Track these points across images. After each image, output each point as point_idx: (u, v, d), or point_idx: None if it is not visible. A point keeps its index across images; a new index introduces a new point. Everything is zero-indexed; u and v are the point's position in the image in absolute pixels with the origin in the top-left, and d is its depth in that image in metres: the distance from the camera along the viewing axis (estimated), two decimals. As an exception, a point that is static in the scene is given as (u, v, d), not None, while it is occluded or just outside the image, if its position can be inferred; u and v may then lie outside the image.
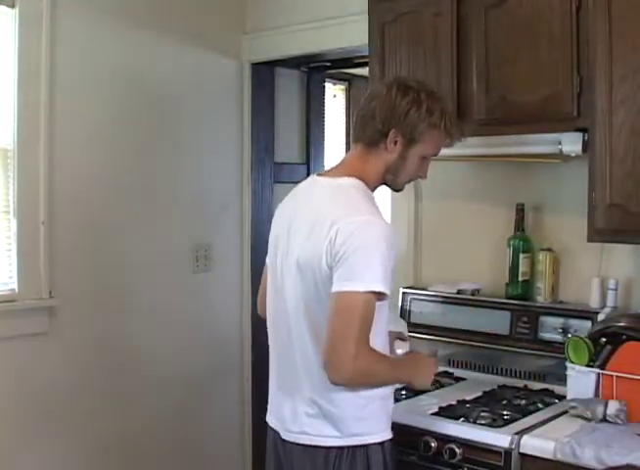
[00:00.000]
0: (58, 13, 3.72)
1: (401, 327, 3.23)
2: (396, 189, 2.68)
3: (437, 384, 3.32)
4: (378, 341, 2.43)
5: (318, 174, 2.66)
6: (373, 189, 2.58)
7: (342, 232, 2.35)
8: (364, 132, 2.56)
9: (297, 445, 2.52)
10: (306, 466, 2.50)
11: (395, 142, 2.52)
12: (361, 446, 2.46)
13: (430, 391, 3.18)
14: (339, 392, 2.42)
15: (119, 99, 4.01)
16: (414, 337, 3.44)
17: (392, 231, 2.42)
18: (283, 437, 2.57)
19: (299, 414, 2.51)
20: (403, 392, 3.16)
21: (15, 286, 3.66)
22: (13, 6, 3.61)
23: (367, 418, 2.48)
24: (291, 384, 2.54)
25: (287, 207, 2.67)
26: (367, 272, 2.32)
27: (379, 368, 2.41)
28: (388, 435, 2.53)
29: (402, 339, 2.86)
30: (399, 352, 2.81)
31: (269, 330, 2.65)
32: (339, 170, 2.59)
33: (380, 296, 2.34)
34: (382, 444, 2.50)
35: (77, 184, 3.83)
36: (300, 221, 2.52)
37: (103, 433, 3.93)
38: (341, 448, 2.45)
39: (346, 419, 2.45)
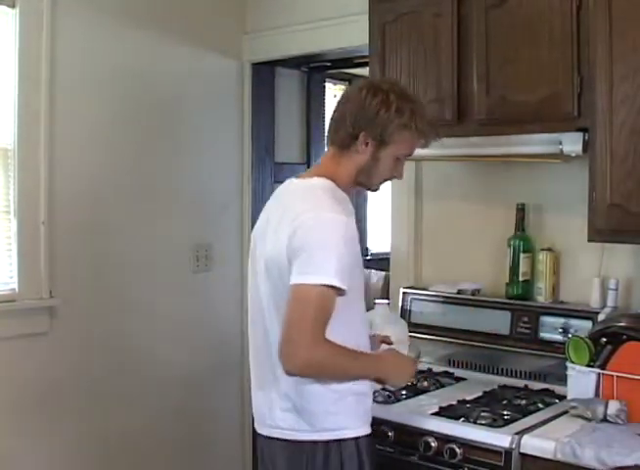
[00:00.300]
0: (58, 13, 3.72)
1: (402, 327, 3.23)
2: (371, 190, 2.70)
3: (438, 384, 3.32)
4: (349, 337, 2.45)
5: (296, 177, 2.68)
6: (347, 190, 2.61)
7: (302, 227, 2.39)
8: (336, 135, 2.59)
9: (273, 439, 2.55)
10: (281, 460, 2.54)
11: (366, 144, 2.53)
12: (334, 440, 2.48)
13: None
14: (311, 386, 2.45)
15: (120, 99, 4.01)
16: (414, 337, 3.44)
17: (353, 229, 2.44)
18: (259, 431, 2.60)
19: (275, 409, 2.53)
20: (403, 392, 3.16)
21: (15, 286, 3.66)
22: (13, 6, 3.61)
23: (340, 413, 2.49)
24: (267, 379, 2.56)
25: (265, 209, 2.70)
26: (322, 266, 2.34)
27: (337, 361, 2.41)
28: (363, 430, 2.54)
29: (387, 342, 2.89)
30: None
31: (249, 328, 2.68)
32: (312, 172, 2.63)
33: (338, 291, 2.35)
34: (356, 439, 2.51)
35: (78, 184, 3.84)
36: (271, 221, 2.56)
37: (103, 433, 3.93)
38: (314, 443, 2.48)
39: (319, 413, 2.47)
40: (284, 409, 2.51)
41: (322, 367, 2.39)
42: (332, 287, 2.34)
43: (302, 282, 2.35)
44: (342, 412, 2.49)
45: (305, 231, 2.38)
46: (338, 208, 2.44)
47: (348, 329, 2.49)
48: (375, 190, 2.70)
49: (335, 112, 2.61)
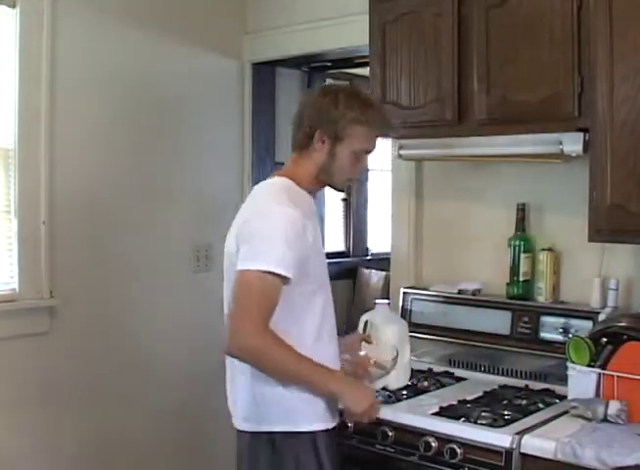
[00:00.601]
0: (58, 13, 3.73)
1: (402, 327, 3.24)
2: (336, 189, 2.78)
3: (438, 384, 3.32)
4: (306, 330, 2.57)
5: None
6: (311, 189, 2.71)
7: (249, 218, 2.56)
8: (296, 138, 2.71)
9: (240, 431, 2.65)
10: (244, 452, 2.65)
11: (323, 142, 2.63)
12: (290, 433, 2.55)
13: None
14: (270, 379, 2.51)
15: (120, 99, 4.01)
16: (415, 337, 3.44)
17: (303, 223, 2.51)
18: (234, 424, 2.70)
19: (239, 401, 2.64)
20: (404, 392, 3.16)
21: (15, 286, 3.67)
22: (14, 6, 3.61)
23: (297, 407, 2.55)
24: (235, 373, 2.65)
25: None
26: (264, 253, 2.44)
27: (277, 356, 2.45)
28: (321, 425, 2.58)
29: (367, 341, 2.94)
30: (362, 353, 2.90)
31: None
32: (275, 174, 2.76)
33: (284, 279, 2.44)
34: (313, 433, 2.56)
35: (78, 184, 3.84)
36: (236, 220, 2.68)
37: (103, 432, 3.93)
38: (271, 434, 2.56)
39: (276, 407, 2.55)
40: (246, 401, 2.61)
41: (261, 356, 2.45)
42: (274, 274, 2.42)
43: (246, 268, 2.45)
44: (300, 407, 2.55)
45: (252, 221, 2.54)
46: (287, 202, 2.54)
47: (305, 321, 2.58)
48: (340, 189, 2.80)
49: (294, 117, 2.72)
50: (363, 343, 2.94)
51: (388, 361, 2.89)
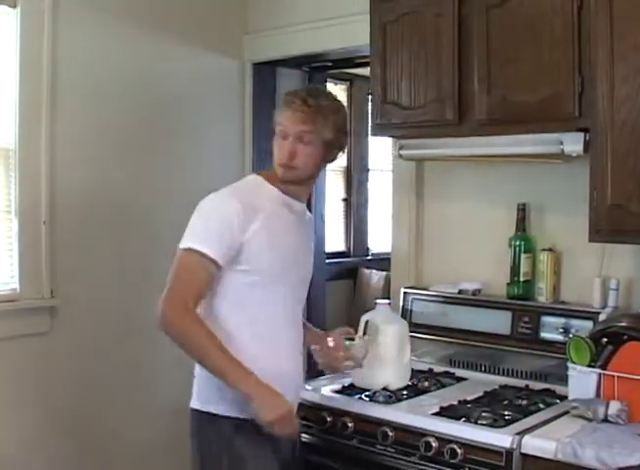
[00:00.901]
0: (59, 13, 3.73)
1: (402, 327, 3.24)
2: (279, 178, 2.79)
3: (439, 384, 3.32)
4: (246, 326, 2.66)
5: None
6: (280, 186, 2.77)
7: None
8: None
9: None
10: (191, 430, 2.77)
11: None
12: (204, 412, 2.69)
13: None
14: None
15: (121, 99, 4.02)
16: (415, 337, 3.44)
17: (238, 213, 2.61)
18: None
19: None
20: (404, 392, 3.16)
21: (16, 286, 3.67)
22: (14, 6, 3.62)
23: (212, 388, 2.65)
24: None
25: None
26: (191, 233, 2.63)
27: (198, 341, 2.55)
28: (223, 410, 2.65)
29: (352, 338, 3.01)
30: (331, 344, 2.94)
31: None
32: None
33: (211, 261, 2.57)
34: (215, 416, 2.66)
35: (79, 184, 3.84)
36: None
37: (103, 432, 3.93)
38: (196, 411, 2.72)
39: (198, 385, 2.74)
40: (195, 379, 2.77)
41: (179, 336, 2.58)
42: (198, 252, 2.56)
43: (178, 246, 2.63)
44: (213, 388, 2.65)
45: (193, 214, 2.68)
46: (227, 195, 2.69)
47: (245, 312, 2.67)
48: (282, 180, 2.77)
49: None
50: (330, 338, 2.98)
51: (359, 352, 2.96)
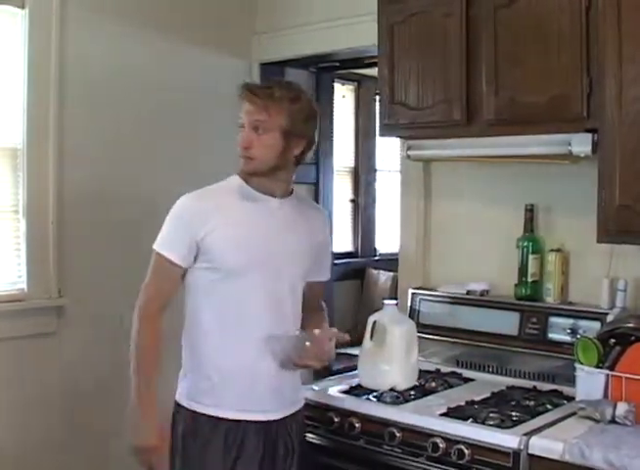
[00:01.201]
0: (67, 13, 3.75)
1: (410, 328, 3.24)
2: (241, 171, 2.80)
3: (446, 384, 3.32)
4: (206, 323, 2.75)
5: None
6: (253, 184, 2.77)
7: None
8: None
9: None
10: None
11: None
12: (178, 404, 2.81)
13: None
14: (186, 352, 2.85)
15: (128, 98, 4.02)
16: (423, 337, 3.44)
17: (200, 211, 2.71)
18: None
19: None
20: (412, 392, 3.16)
21: (24, 285, 3.68)
22: (22, 6, 3.63)
23: (183, 381, 2.83)
24: None
25: None
26: (160, 234, 2.74)
27: (136, 346, 2.77)
28: (193, 405, 2.74)
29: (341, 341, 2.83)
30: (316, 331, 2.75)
31: None
32: None
33: (172, 262, 2.70)
34: (183, 408, 2.77)
35: (87, 184, 3.85)
36: None
37: (111, 432, 3.93)
38: (175, 402, 2.82)
39: (180, 376, 2.86)
40: None
41: (133, 337, 2.77)
42: (160, 254, 2.71)
43: None
44: (184, 381, 2.82)
45: None
46: (193, 194, 2.78)
47: (205, 308, 2.75)
48: (242, 171, 2.79)
49: None
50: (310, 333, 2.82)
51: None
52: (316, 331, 2.72)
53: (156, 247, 2.72)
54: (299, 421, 2.87)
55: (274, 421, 2.73)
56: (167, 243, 2.71)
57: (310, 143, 2.79)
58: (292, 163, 2.76)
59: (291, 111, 2.68)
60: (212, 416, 2.69)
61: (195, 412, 2.72)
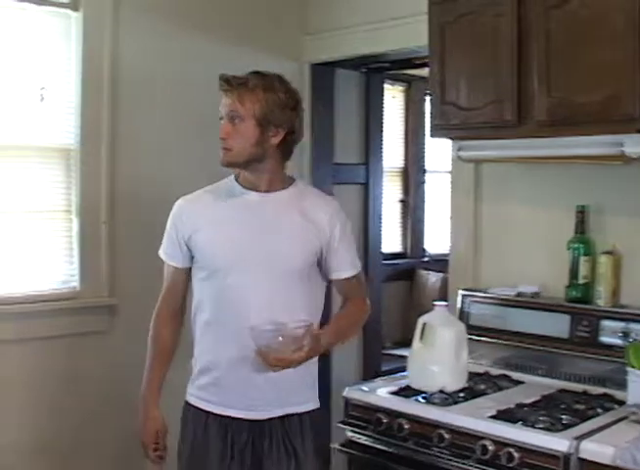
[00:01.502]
0: (120, 15, 3.79)
1: (459, 329, 3.23)
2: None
3: (495, 387, 3.30)
4: (200, 321, 2.83)
5: None
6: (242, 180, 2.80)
7: None
8: None
9: None
10: None
11: None
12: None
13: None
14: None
15: (181, 101, 4.05)
16: (472, 339, 3.42)
17: (181, 212, 2.82)
18: None
19: None
20: (461, 394, 3.15)
21: (76, 284, 3.73)
22: (76, 9, 3.67)
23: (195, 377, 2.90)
24: None
25: None
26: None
27: (150, 338, 2.98)
28: (191, 399, 2.85)
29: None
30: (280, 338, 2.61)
31: None
32: None
33: (175, 267, 2.85)
34: (187, 403, 2.87)
35: (138, 184, 3.88)
36: None
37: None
38: None
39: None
40: None
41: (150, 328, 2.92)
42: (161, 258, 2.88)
43: None
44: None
45: None
46: (188, 197, 2.86)
47: (198, 308, 2.82)
48: (221, 163, 2.79)
49: None
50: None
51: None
52: (291, 325, 2.60)
53: (160, 251, 2.89)
54: (307, 424, 2.77)
55: (265, 421, 2.71)
56: (164, 246, 2.87)
57: (291, 132, 2.74)
58: (275, 153, 2.73)
59: (266, 99, 2.64)
60: (202, 410, 2.79)
61: (188, 403, 2.86)
